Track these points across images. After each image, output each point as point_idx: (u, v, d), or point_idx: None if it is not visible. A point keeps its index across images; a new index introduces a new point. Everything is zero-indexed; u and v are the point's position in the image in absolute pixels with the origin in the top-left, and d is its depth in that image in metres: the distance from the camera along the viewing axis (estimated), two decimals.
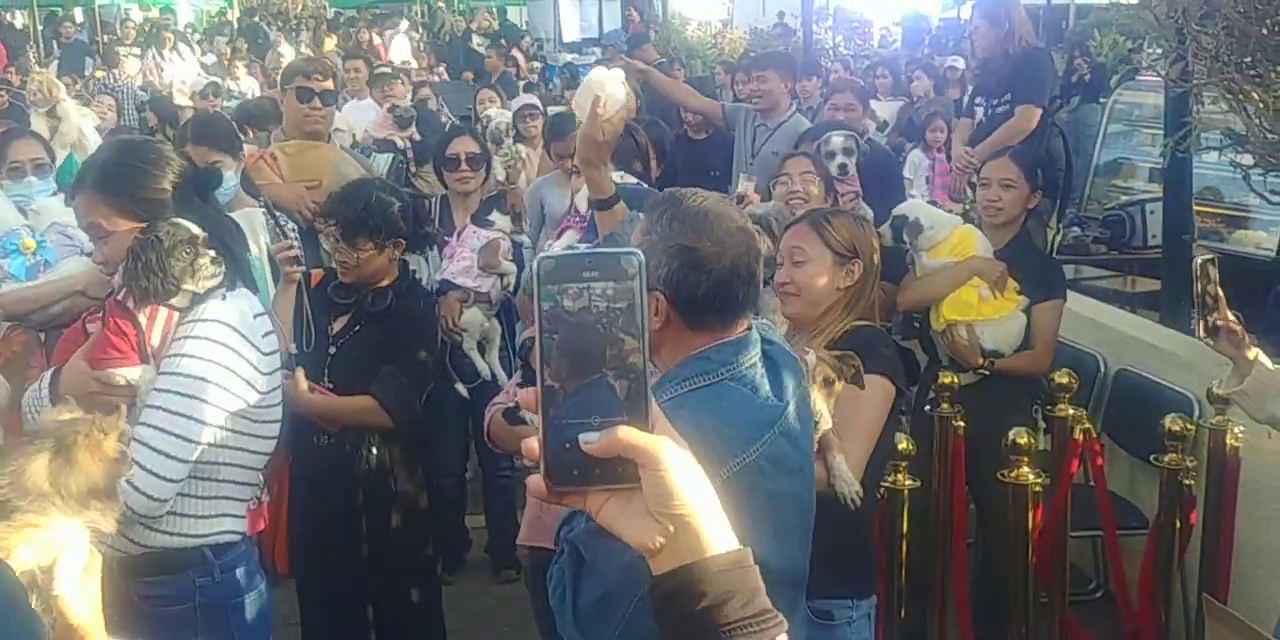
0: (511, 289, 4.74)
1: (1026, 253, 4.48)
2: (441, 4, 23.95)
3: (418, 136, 7.17)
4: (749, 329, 2.19)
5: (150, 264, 2.61)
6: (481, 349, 4.78)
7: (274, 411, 2.79)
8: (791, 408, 2.19)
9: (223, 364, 2.62)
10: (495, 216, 4.70)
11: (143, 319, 2.66)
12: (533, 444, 1.10)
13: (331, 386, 3.73)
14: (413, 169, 6.71)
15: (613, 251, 1.09)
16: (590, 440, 1.08)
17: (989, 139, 6.38)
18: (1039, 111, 6.14)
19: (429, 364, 3.89)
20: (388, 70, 10.69)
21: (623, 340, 1.08)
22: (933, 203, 7.23)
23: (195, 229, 2.67)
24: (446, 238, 4.78)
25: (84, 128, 6.86)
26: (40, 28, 19.02)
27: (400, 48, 19.55)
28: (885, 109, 9.68)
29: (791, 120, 6.29)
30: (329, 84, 5.16)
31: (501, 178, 6.29)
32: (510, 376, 4.58)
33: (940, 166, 8.08)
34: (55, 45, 19.17)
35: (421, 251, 4.46)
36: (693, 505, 1.10)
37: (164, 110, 10.26)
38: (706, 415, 2.00)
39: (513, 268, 4.68)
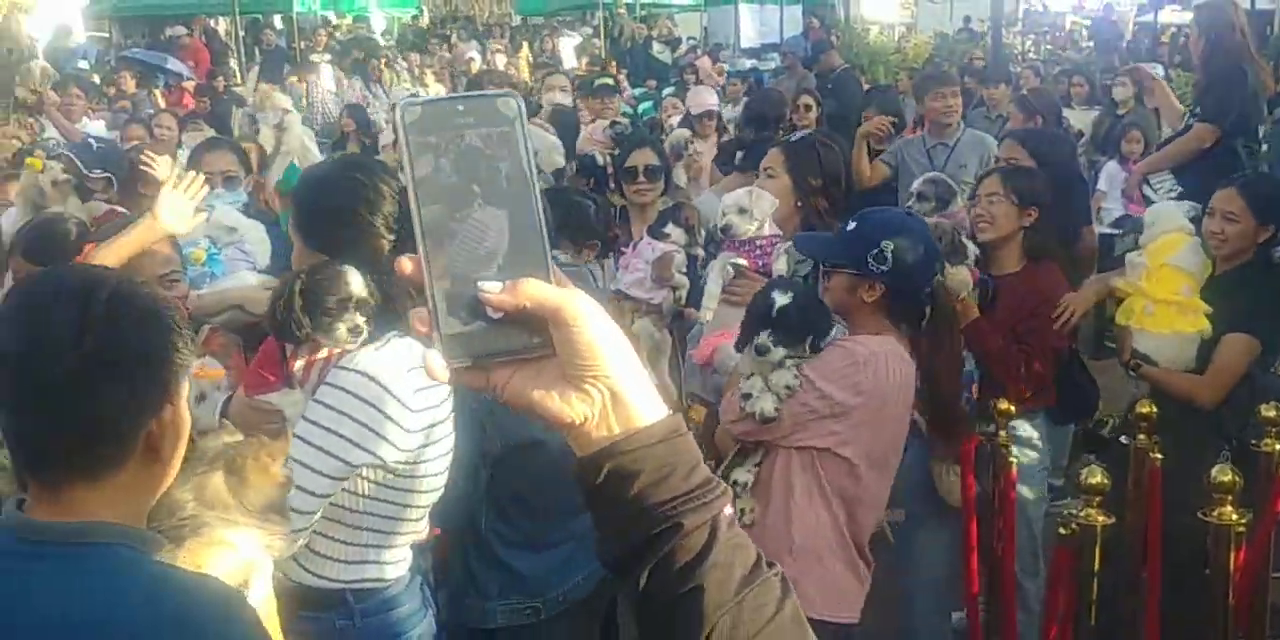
0: (684, 302, 4.70)
1: (1251, 284, 4.29)
2: (623, 11, 24.15)
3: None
4: None
5: (289, 305, 2.60)
6: (651, 359, 4.76)
7: (429, 466, 2.71)
8: None
9: (358, 420, 2.55)
10: (670, 229, 4.66)
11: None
12: (422, 315, 0.96)
13: None
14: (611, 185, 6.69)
15: (486, 94, 0.96)
16: (491, 289, 0.94)
17: (1157, 153, 6.19)
18: (1215, 132, 5.90)
19: None
20: (609, 82, 10.61)
21: (512, 189, 0.94)
22: (1127, 216, 6.97)
23: (357, 287, 2.59)
24: (622, 249, 4.77)
25: (307, 141, 7.21)
26: (242, 34, 19.70)
27: (568, 54, 19.73)
28: (1080, 119, 9.28)
29: (966, 134, 6.34)
30: None
31: (683, 183, 6.27)
32: (680, 388, 4.54)
33: None
34: (257, 52, 19.93)
35: (609, 256, 4.45)
36: (614, 367, 0.95)
37: (360, 117, 10.62)
38: None
39: (685, 281, 4.63)
